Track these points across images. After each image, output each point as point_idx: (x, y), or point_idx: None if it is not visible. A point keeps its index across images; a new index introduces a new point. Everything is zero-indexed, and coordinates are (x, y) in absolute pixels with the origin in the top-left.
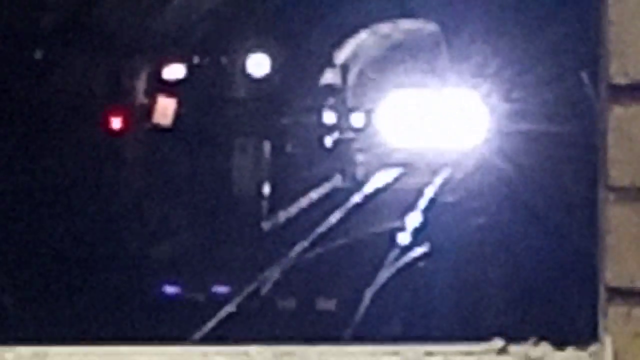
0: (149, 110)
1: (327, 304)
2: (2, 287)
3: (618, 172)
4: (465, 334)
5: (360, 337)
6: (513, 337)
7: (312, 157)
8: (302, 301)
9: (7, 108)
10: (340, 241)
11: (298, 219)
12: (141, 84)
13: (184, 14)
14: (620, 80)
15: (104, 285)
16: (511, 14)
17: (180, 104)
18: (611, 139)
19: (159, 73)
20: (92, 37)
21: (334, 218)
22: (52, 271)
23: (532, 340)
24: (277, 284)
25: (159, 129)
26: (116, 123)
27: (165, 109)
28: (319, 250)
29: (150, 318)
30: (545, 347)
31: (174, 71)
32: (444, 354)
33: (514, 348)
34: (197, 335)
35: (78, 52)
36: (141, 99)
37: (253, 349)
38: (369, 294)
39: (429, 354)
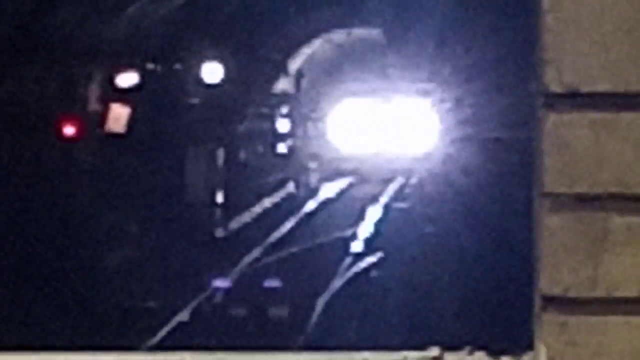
0: (102, 117)
1: (279, 312)
2: None
3: (553, 180)
4: (405, 343)
5: (311, 346)
6: (449, 346)
7: (265, 165)
8: (254, 309)
9: None
10: (293, 249)
11: (251, 227)
12: (95, 91)
13: (137, 22)
14: (556, 88)
15: (57, 292)
16: (455, 25)
17: (134, 111)
18: (546, 146)
19: (112, 80)
20: (46, 45)
21: (287, 226)
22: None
23: (468, 349)
24: (229, 291)
25: (112, 136)
26: (69, 130)
27: (119, 116)
28: (271, 258)
29: (103, 326)
30: (480, 356)
31: (128, 78)
32: None
33: (449, 356)
34: (149, 343)
35: (31, 59)
36: (95, 106)
37: (188, 357)
38: (321, 302)
39: None
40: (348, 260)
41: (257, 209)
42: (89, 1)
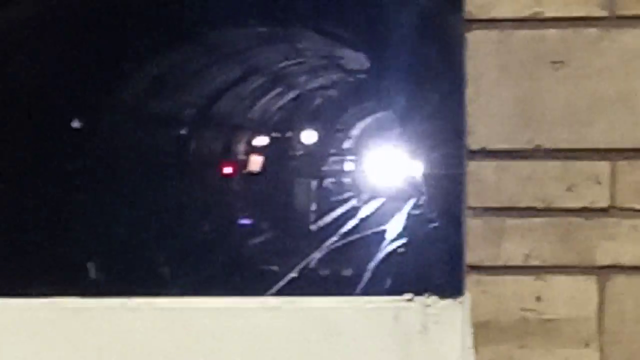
0: (246, 163)
1: (347, 272)
2: None
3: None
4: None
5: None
6: (416, 292)
7: (338, 189)
8: (333, 269)
9: (155, 164)
10: (353, 237)
11: (330, 224)
12: (242, 147)
13: (265, 108)
14: (475, 147)
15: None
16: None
17: (265, 159)
18: (469, 186)
19: (251, 141)
20: (217, 123)
21: (350, 224)
22: None
23: (427, 294)
24: (320, 260)
25: (253, 174)
26: (227, 170)
27: (256, 162)
28: (341, 242)
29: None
30: (434, 298)
31: (261, 140)
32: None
33: (417, 299)
34: (269, 292)
35: (210, 131)
36: (242, 156)
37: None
38: (371, 265)
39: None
40: (385, 243)
41: (334, 214)
42: (241, 97)
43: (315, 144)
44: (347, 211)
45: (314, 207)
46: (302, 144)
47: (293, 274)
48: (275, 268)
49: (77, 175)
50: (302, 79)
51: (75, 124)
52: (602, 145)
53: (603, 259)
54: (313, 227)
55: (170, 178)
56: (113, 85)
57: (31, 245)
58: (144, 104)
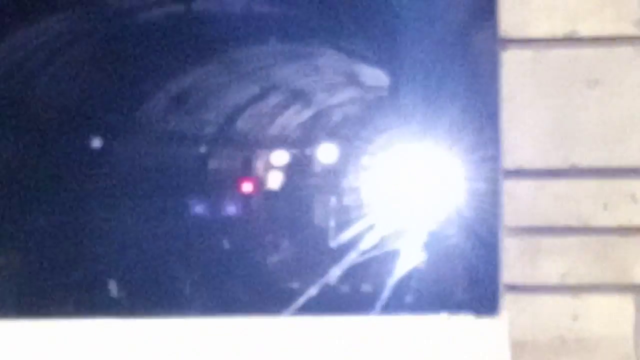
0: (265, 180)
1: (366, 288)
2: None
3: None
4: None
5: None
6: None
7: (355, 208)
8: (352, 284)
9: (175, 182)
10: (370, 254)
11: (349, 241)
12: (261, 165)
13: (284, 125)
14: (511, 166)
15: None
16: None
17: (284, 177)
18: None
19: (269, 159)
20: (237, 141)
21: (367, 242)
22: None
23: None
24: (340, 277)
25: (272, 192)
26: (247, 188)
27: (276, 179)
28: (359, 258)
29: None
30: (471, 317)
31: (281, 158)
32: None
33: (455, 317)
34: (288, 311)
35: (230, 149)
36: (261, 173)
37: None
38: (388, 282)
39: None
40: (404, 255)
41: (352, 232)
42: (260, 114)
43: (334, 163)
44: (364, 230)
45: (332, 223)
46: (319, 161)
47: (311, 292)
48: (294, 285)
49: (98, 194)
50: (323, 95)
51: (96, 143)
52: (637, 163)
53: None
54: (333, 244)
55: (190, 195)
56: (134, 105)
57: (53, 264)
58: (163, 123)
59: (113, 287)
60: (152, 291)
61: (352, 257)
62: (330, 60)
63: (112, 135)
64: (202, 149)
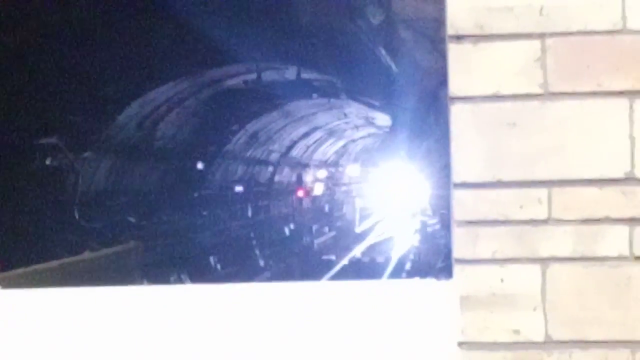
0: (312, 188)
1: (379, 259)
2: None
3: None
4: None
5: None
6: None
7: (373, 205)
8: (372, 257)
9: (251, 192)
10: (382, 237)
11: (367, 230)
12: (310, 178)
13: (324, 152)
14: (457, 180)
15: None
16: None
17: (325, 187)
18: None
19: (316, 174)
20: (294, 163)
21: (383, 230)
22: None
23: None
24: (364, 253)
25: (315, 197)
26: (300, 194)
27: (320, 187)
28: (374, 239)
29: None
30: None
31: (322, 174)
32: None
33: (422, 281)
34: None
35: (289, 168)
36: (310, 184)
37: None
38: (394, 256)
39: None
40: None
41: (369, 223)
42: (307, 145)
43: (358, 177)
44: (375, 223)
45: (358, 216)
46: (347, 175)
47: (343, 262)
48: (331, 257)
49: (207, 201)
50: (348, 132)
51: (199, 165)
52: (541, 178)
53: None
54: (358, 229)
55: (263, 198)
56: (226, 140)
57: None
58: (245, 152)
59: (214, 260)
60: (238, 260)
61: (370, 239)
62: (353, 109)
63: (211, 159)
64: (271, 169)
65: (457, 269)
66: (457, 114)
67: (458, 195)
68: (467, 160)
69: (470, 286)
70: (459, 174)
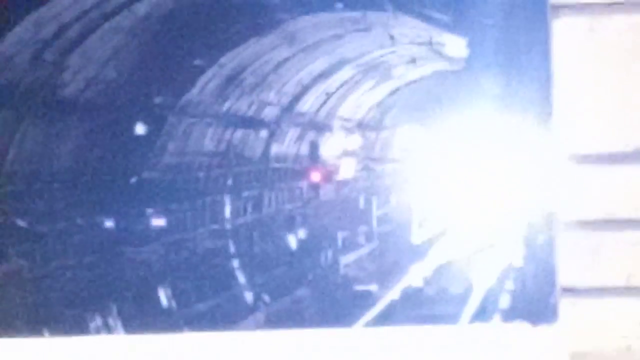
0: (335, 170)
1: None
2: None
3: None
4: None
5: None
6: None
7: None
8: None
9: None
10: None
11: (426, 242)
12: (333, 150)
13: (357, 104)
14: (565, 152)
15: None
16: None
17: (359, 165)
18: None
19: (343, 145)
20: (302, 123)
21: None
22: None
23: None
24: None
25: (343, 181)
26: (315, 177)
27: (351, 165)
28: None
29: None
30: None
31: (354, 143)
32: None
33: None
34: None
35: (295, 131)
36: (331, 161)
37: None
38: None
39: None
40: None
41: (435, 229)
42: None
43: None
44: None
45: (415, 217)
46: (399, 147)
47: (392, 295)
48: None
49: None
50: (398, 70)
51: (140, 129)
52: None
53: None
54: (416, 241)
55: (250, 188)
56: (185, 85)
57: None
58: (219, 105)
59: (165, 294)
60: (209, 293)
61: (437, 255)
62: (406, 28)
63: (160, 119)
64: (264, 134)
65: (564, 303)
66: (563, 35)
67: (566, 176)
68: (580, 117)
69: (586, 333)
70: (566, 140)
